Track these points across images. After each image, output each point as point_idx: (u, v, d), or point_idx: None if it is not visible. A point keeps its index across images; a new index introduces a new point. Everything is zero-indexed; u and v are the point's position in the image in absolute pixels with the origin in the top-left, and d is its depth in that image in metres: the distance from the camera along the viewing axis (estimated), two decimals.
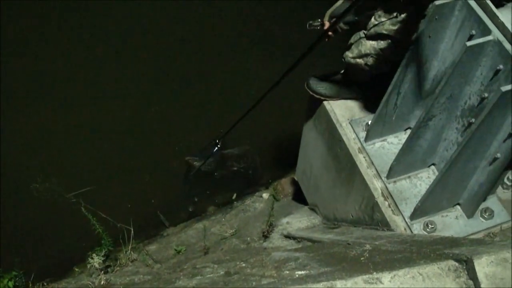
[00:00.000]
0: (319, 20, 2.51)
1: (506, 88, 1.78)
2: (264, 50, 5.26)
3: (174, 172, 4.65)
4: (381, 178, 2.48)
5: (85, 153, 4.65)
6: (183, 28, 5.40)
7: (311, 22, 2.53)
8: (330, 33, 2.45)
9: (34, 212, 4.30)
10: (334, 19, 2.45)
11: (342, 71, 2.79)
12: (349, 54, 2.53)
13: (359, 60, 2.50)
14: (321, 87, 2.74)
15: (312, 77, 2.78)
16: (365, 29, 2.43)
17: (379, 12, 2.31)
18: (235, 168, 4.68)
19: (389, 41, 2.36)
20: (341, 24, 2.43)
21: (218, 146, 4.50)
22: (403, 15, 2.24)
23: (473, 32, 2.00)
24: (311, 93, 2.78)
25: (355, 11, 2.28)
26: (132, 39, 5.27)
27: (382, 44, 2.39)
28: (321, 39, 2.40)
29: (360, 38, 2.46)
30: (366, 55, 2.46)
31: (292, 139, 4.30)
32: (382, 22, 2.31)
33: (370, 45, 2.42)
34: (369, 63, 2.47)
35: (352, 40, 2.51)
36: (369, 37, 2.41)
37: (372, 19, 2.36)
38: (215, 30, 5.40)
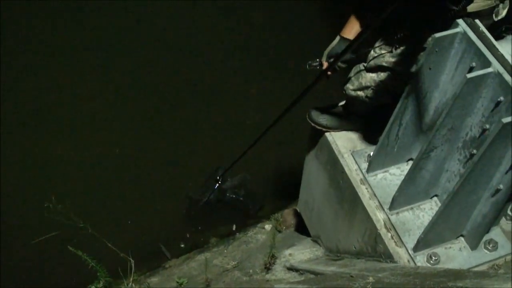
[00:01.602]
0: (318, 60, 2.52)
1: (507, 119, 1.79)
2: (263, 70, 5.31)
3: (176, 203, 4.64)
4: (383, 209, 2.47)
5: (84, 182, 4.64)
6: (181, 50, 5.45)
7: (310, 62, 2.54)
8: (328, 73, 2.47)
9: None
10: (331, 59, 2.46)
11: (343, 103, 2.80)
12: (349, 87, 2.55)
13: (360, 93, 2.51)
14: (323, 119, 2.75)
15: (314, 108, 2.80)
16: (365, 62, 2.46)
17: (379, 45, 2.33)
18: (235, 199, 4.67)
19: (389, 73, 2.38)
20: (339, 63, 2.44)
21: (219, 182, 4.50)
22: (402, 48, 2.26)
23: (473, 64, 2.02)
24: (313, 124, 2.79)
25: (353, 49, 2.30)
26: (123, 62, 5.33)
27: (382, 76, 2.41)
28: (320, 79, 2.43)
29: (360, 70, 2.48)
30: (367, 87, 2.47)
31: (293, 170, 4.29)
32: (382, 54, 2.33)
33: (370, 78, 2.44)
34: (369, 95, 2.49)
35: (352, 73, 2.53)
36: (369, 70, 2.43)
37: (372, 51, 2.38)
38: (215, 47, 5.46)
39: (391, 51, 2.30)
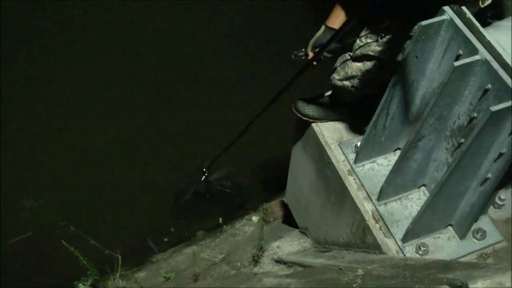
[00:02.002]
0: (303, 50, 2.50)
1: (495, 108, 1.76)
2: (250, 67, 5.27)
3: (162, 196, 4.60)
4: (371, 200, 2.45)
5: (68, 178, 4.59)
6: (170, 47, 5.39)
7: (295, 52, 2.52)
8: (314, 63, 2.45)
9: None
10: (317, 49, 2.44)
11: (329, 93, 2.77)
12: (335, 77, 2.51)
13: (346, 82, 2.48)
14: (309, 109, 2.72)
15: (300, 99, 2.76)
16: (351, 51, 2.42)
17: (365, 34, 2.30)
18: (221, 191, 4.64)
19: (376, 62, 2.35)
20: (325, 53, 2.41)
21: (206, 174, 4.47)
22: (388, 36, 2.23)
23: (460, 52, 1.99)
24: (299, 115, 2.75)
25: (338, 39, 2.27)
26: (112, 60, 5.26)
27: (368, 65, 2.37)
28: (305, 69, 2.41)
29: (346, 60, 2.44)
30: (353, 77, 2.44)
31: (280, 161, 4.25)
32: (368, 43, 2.30)
33: (356, 67, 2.41)
34: (355, 85, 2.46)
35: (338, 63, 2.50)
36: (355, 59, 2.40)
37: (358, 40, 2.35)
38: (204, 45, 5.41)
39: (377, 40, 2.26)
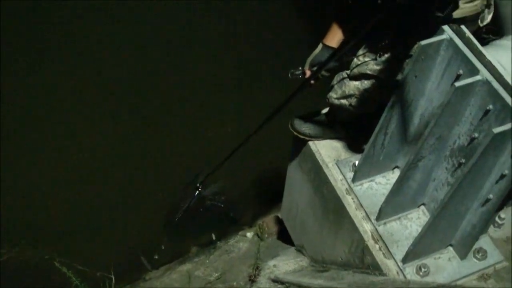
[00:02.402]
0: (300, 68, 2.47)
1: (498, 129, 1.74)
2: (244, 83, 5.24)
3: (155, 212, 4.54)
4: (370, 220, 2.42)
5: (61, 195, 4.52)
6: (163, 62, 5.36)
7: (292, 71, 2.49)
8: (312, 81, 2.43)
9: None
10: (314, 68, 2.41)
11: (326, 111, 2.74)
12: (332, 95, 2.49)
13: (343, 101, 2.45)
14: (306, 127, 2.69)
15: (296, 117, 2.73)
16: (348, 69, 2.40)
17: (363, 52, 2.27)
18: (215, 206, 4.59)
19: (374, 81, 2.33)
20: (323, 72, 2.39)
21: (200, 189, 4.42)
22: (387, 55, 2.21)
23: (460, 71, 1.97)
24: (295, 133, 2.72)
25: (336, 58, 2.25)
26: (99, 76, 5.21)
27: (366, 84, 2.35)
28: (302, 87, 2.38)
29: (343, 78, 2.42)
30: (350, 95, 2.41)
31: (275, 176, 4.23)
32: (365, 62, 2.27)
33: (354, 86, 2.38)
34: (353, 104, 2.43)
35: (335, 81, 2.47)
36: (353, 78, 2.37)
37: (355, 59, 2.32)
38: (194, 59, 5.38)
39: (375, 59, 2.24)
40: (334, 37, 2.33)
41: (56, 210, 4.43)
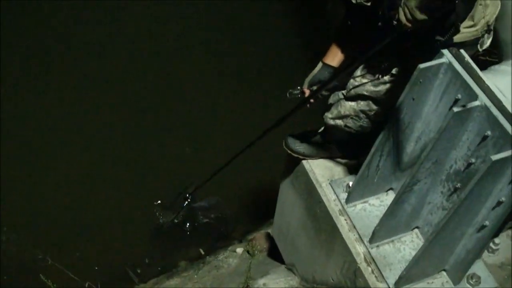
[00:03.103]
0: (299, 88, 2.45)
1: (496, 157, 1.72)
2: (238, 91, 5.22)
3: (143, 224, 4.49)
4: (363, 242, 2.39)
5: (45, 206, 4.45)
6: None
7: (291, 90, 2.47)
8: (311, 100, 2.41)
9: None
10: (313, 87, 2.40)
11: (321, 130, 2.71)
12: (328, 115, 2.45)
13: (339, 121, 2.42)
14: (300, 147, 2.66)
15: (290, 136, 2.70)
16: (344, 89, 2.37)
17: (361, 74, 2.25)
18: (205, 220, 4.55)
19: (370, 102, 2.30)
20: (323, 92, 2.38)
21: (189, 200, 4.37)
22: (385, 78, 2.18)
23: (459, 96, 1.95)
24: (289, 152, 2.69)
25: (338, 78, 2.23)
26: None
27: (362, 105, 2.32)
28: (301, 106, 2.37)
29: (340, 99, 2.39)
30: (346, 116, 2.38)
31: (267, 192, 4.20)
32: (363, 83, 2.25)
33: (349, 106, 2.35)
34: (349, 124, 2.40)
35: (331, 101, 2.44)
36: (349, 98, 2.35)
37: (352, 80, 2.30)
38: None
39: (373, 80, 2.21)
40: (335, 57, 2.32)
41: (49, 217, 4.39)
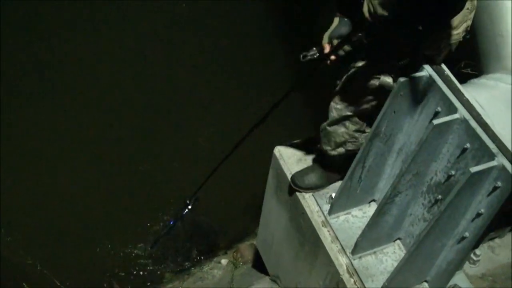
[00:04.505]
0: (314, 48, 2.21)
1: (475, 169, 1.75)
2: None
3: (132, 236, 4.47)
4: (346, 253, 2.40)
5: (33, 215, 4.41)
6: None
7: (305, 53, 2.21)
8: (332, 57, 2.16)
9: None
10: (335, 41, 2.17)
11: (318, 159, 2.67)
12: (327, 148, 2.42)
13: (340, 150, 2.38)
14: (310, 181, 2.59)
15: (294, 175, 2.63)
16: (327, 120, 2.36)
17: (340, 100, 2.25)
18: (190, 230, 4.52)
19: (357, 118, 2.29)
20: (345, 46, 2.14)
21: (189, 207, 4.28)
22: (368, 96, 2.18)
23: (439, 108, 1.98)
24: (302, 191, 2.62)
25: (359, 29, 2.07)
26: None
27: (352, 125, 2.29)
28: (321, 63, 2.17)
29: (326, 128, 2.36)
30: (343, 143, 2.36)
31: (251, 203, 4.21)
32: (343, 105, 2.25)
33: (341, 133, 2.31)
34: (350, 148, 2.37)
35: (321, 135, 2.43)
36: (334, 123, 2.32)
37: (332, 103, 2.28)
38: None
39: (354, 101, 2.22)
40: (349, 7, 2.12)
41: (43, 224, 4.36)
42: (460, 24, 1.99)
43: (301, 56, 2.21)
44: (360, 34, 2.07)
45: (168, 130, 4.98)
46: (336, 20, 2.19)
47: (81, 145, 4.80)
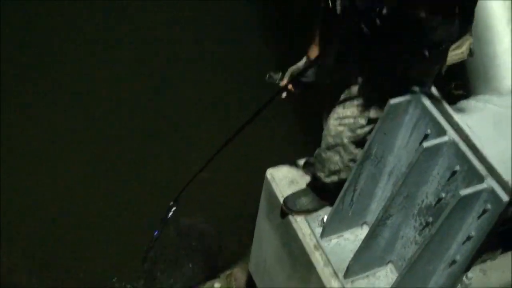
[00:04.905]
0: (280, 73, 2.34)
1: (464, 192, 1.74)
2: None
3: (126, 244, 4.42)
4: (338, 278, 2.38)
5: (28, 223, 4.36)
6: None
7: (271, 73, 2.34)
8: (290, 87, 2.29)
9: None
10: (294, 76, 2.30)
11: (312, 184, 2.64)
12: (321, 175, 2.41)
13: (334, 177, 2.38)
14: (302, 205, 2.59)
15: (287, 198, 2.63)
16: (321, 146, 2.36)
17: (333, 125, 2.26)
18: (182, 254, 4.47)
19: (350, 147, 2.27)
20: (303, 78, 2.27)
21: (174, 208, 4.21)
22: (361, 121, 2.17)
23: (428, 131, 1.98)
24: (295, 215, 2.62)
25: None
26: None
27: (346, 155, 2.29)
28: (278, 94, 2.26)
29: (321, 155, 2.35)
30: (337, 171, 2.35)
31: (245, 225, 4.18)
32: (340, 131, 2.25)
33: (336, 161, 2.31)
34: (343, 176, 2.35)
35: (316, 160, 2.42)
36: (330, 148, 2.31)
37: (331, 125, 2.28)
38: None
39: (350, 126, 2.21)
40: (314, 50, 2.27)
41: (39, 231, 4.31)
42: (462, 43, 2.01)
43: (267, 75, 2.35)
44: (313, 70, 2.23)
45: (168, 130, 4.97)
46: (303, 60, 2.35)
47: (81, 145, 4.78)
